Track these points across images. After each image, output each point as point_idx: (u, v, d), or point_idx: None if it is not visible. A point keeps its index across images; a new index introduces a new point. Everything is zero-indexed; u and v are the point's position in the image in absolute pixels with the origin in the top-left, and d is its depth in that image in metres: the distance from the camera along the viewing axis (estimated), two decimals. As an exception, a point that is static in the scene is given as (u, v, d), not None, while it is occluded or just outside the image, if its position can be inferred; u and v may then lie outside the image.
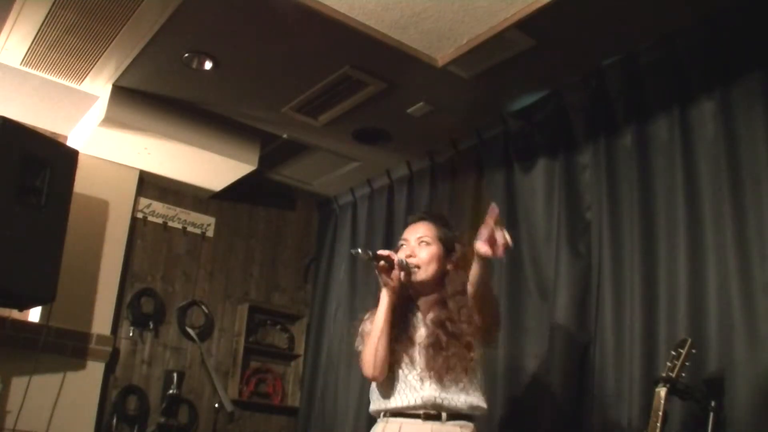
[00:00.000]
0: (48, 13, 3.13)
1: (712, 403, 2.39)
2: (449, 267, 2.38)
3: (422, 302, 2.41)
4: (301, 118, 3.85)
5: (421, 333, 2.36)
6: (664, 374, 2.37)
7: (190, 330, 4.38)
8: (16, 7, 3.12)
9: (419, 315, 2.40)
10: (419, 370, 2.29)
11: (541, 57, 3.14)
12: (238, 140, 4.10)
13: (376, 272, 2.29)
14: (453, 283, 2.34)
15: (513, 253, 3.46)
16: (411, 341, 2.34)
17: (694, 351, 2.39)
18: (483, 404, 2.31)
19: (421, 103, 3.62)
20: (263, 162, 4.22)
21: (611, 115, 3.18)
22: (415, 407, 2.26)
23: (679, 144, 2.85)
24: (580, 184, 3.30)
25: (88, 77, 3.66)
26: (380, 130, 3.96)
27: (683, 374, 2.36)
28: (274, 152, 4.31)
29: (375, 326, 2.30)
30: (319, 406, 4.48)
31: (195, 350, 4.42)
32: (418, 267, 2.34)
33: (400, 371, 2.31)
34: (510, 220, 3.54)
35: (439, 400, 2.24)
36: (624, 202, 3.03)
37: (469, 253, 2.22)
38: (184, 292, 4.51)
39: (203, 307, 4.53)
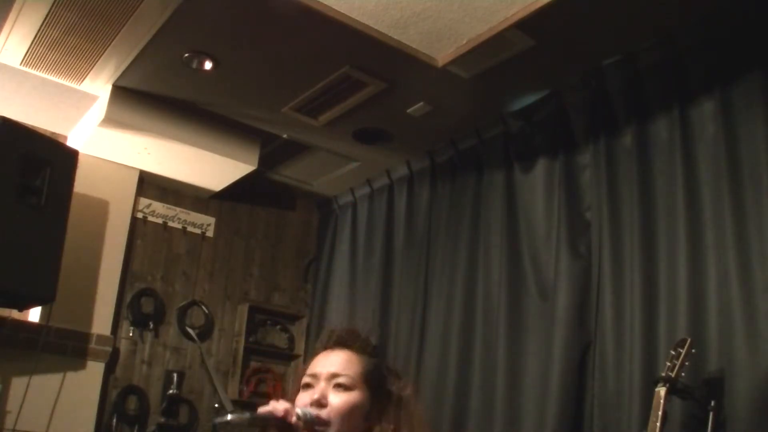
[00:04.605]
0: (48, 13, 3.12)
1: (712, 403, 2.39)
2: (380, 425, 1.55)
3: None
4: (301, 118, 3.85)
5: None
6: (663, 374, 2.37)
7: (190, 330, 4.38)
8: (16, 7, 3.12)
9: None
10: None
11: (541, 57, 3.14)
12: (238, 140, 4.10)
13: None
14: None
15: (513, 253, 3.48)
16: None
17: (693, 351, 2.40)
18: None
19: (421, 103, 3.62)
20: (263, 162, 4.22)
21: (611, 115, 3.18)
22: None
23: (679, 144, 2.85)
24: (580, 184, 3.31)
25: (88, 77, 3.66)
26: (380, 130, 3.97)
27: (683, 374, 2.37)
28: (274, 152, 4.32)
29: None
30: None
31: (195, 350, 4.42)
32: (327, 424, 1.50)
33: None
34: (510, 220, 3.55)
35: None
36: (624, 202, 3.03)
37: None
38: (184, 292, 4.51)
39: (203, 307, 4.53)
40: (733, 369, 2.44)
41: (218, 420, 1.43)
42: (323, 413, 1.51)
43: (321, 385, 1.55)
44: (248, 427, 1.46)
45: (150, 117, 3.83)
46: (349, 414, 1.51)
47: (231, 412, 1.45)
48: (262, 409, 1.46)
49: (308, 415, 1.48)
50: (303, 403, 1.53)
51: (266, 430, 1.46)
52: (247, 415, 1.44)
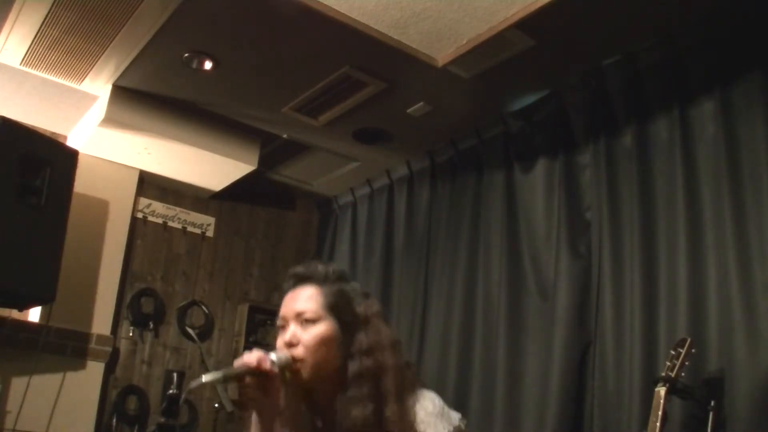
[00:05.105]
0: (48, 13, 3.12)
1: (712, 403, 2.39)
2: (354, 349, 1.59)
3: (326, 413, 1.61)
4: (301, 118, 3.85)
5: None
6: (663, 374, 2.37)
7: (190, 330, 4.38)
8: (16, 7, 3.12)
9: None
10: None
11: (541, 57, 3.13)
12: (238, 140, 4.09)
13: (242, 397, 1.53)
14: (351, 370, 1.56)
15: (513, 253, 3.48)
16: None
17: (693, 351, 2.40)
18: None
19: (421, 103, 3.62)
20: (263, 162, 4.22)
21: (611, 115, 3.18)
22: None
23: (679, 144, 2.85)
24: (580, 184, 3.30)
25: (88, 77, 3.66)
26: (380, 130, 3.96)
27: (683, 374, 2.37)
28: (274, 152, 4.31)
29: None
30: None
31: (195, 350, 4.42)
32: (302, 361, 1.55)
33: None
34: (510, 220, 3.55)
35: None
36: (624, 202, 3.03)
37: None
38: (184, 292, 4.51)
39: (203, 307, 4.53)
40: (733, 369, 2.44)
41: (194, 384, 1.47)
42: (296, 352, 1.55)
43: (290, 327, 1.59)
44: (224, 384, 1.46)
45: (150, 117, 3.83)
46: (319, 346, 1.57)
47: (205, 374, 1.48)
48: (236, 363, 1.49)
49: (282, 359, 1.53)
50: (279, 347, 1.58)
51: (244, 383, 1.49)
52: (220, 373, 1.47)
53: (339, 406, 1.54)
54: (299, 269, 1.67)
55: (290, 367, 1.55)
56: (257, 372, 1.48)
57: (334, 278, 1.66)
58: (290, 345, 1.57)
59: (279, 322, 1.63)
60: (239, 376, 1.48)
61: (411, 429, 1.52)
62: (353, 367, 1.56)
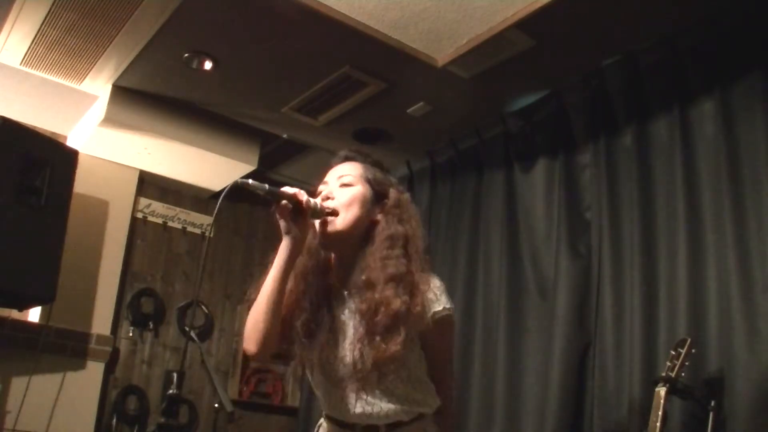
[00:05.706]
0: (48, 13, 3.13)
1: (712, 403, 2.39)
2: (379, 216, 1.76)
3: (344, 270, 1.78)
4: (301, 118, 3.85)
5: (344, 314, 1.75)
6: (663, 374, 2.37)
7: (189, 330, 4.38)
8: (16, 7, 3.12)
9: (344, 292, 1.77)
10: (347, 372, 1.73)
11: (541, 57, 3.14)
12: (238, 140, 4.10)
13: (277, 217, 1.67)
14: (384, 233, 1.73)
15: (513, 253, 3.48)
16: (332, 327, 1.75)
17: (693, 351, 2.40)
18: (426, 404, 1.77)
19: (421, 103, 3.62)
20: (263, 162, 4.23)
21: (611, 115, 3.18)
22: (346, 421, 1.82)
23: (679, 144, 2.85)
24: (580, 184, 3.31)
25: (88, 77, 3.66)
26: (380, 130, 3.96)
27: (683, 374, 2.37)
28: (274, 152, 4.32)
29: (265, 284, 1.76)
30: (319, 405, 4.47)
31: (195, 350, 4.42)
32: (336, 213, 1.71)
33: (324, 370, 1.81)
34: (510, 220, 3.55)
35: (373, 413, 1.74)
36: (624, 202, 3.03)
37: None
38: (184, 292, 4.51)
39: (203, 307, 4.53)
40: (733, 369, 2.44)
41: (240, 180, 1.64)
42: (330, 205, 1.73)
43: (330, 187, 1.78)
44: (263, 195, 1.64)
45: (150, 117, 3.84)
46: (352, 203, 1.74)
47: (253, 179, 1.66)
48: (282, 189, 1.66)
49: (318, 205, 1.71)
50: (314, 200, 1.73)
51: (280, 204, 1.64)
52: (266, 186, 1.64)
53: (365, 262, 1.70)
54: (344, 151, 1.89)
55: (321, 214, 1.71)
56: (293, 199, 1.64)
57: (374, 163, 1.87)
58: (326, 199, 1.74)
59: (320, 188, 1.80)
60: (278, 196, 1.64)
61: (426, 291, 1.69)
62: (387, 230, 1.73)
